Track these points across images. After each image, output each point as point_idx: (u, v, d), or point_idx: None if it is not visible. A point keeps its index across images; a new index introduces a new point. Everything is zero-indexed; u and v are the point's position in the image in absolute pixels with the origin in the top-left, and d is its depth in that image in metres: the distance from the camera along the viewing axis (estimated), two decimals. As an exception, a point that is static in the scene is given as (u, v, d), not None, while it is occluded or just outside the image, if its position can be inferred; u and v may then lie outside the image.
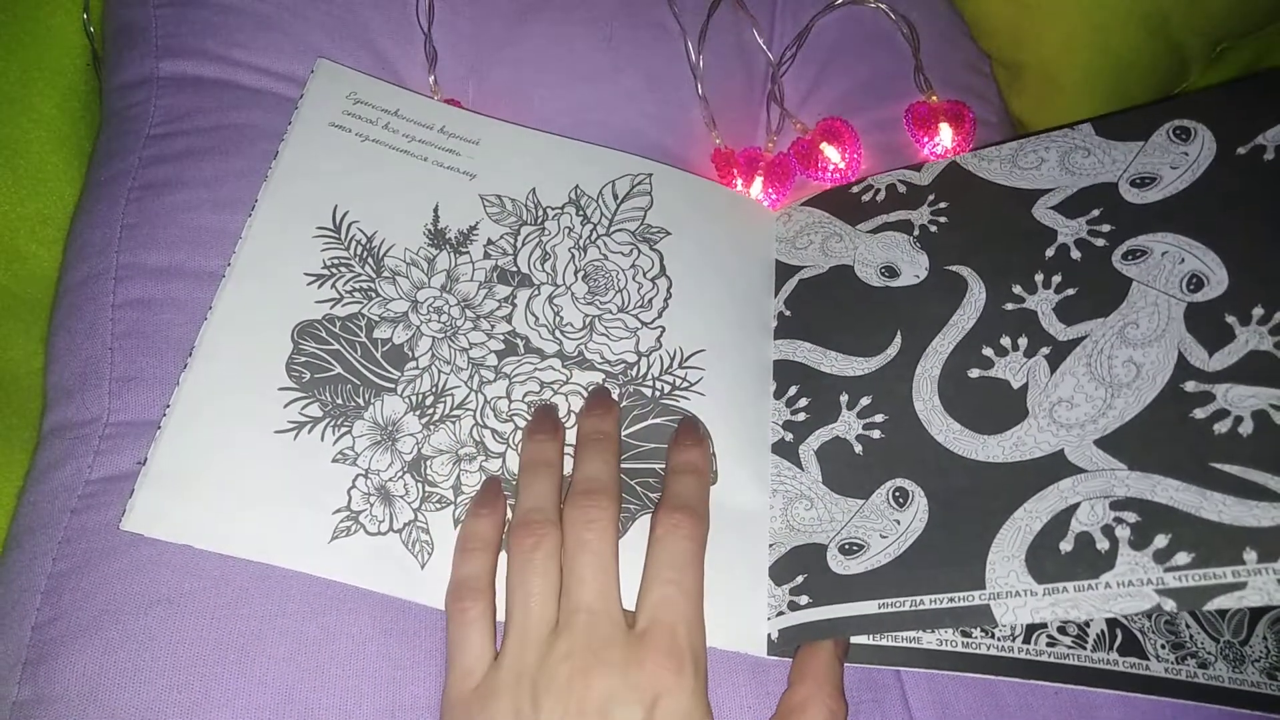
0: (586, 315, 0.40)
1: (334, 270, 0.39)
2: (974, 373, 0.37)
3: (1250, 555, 0.29)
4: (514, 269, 0.41)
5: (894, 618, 0.33)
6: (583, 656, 0.31)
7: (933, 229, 0.42)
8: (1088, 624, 0.37)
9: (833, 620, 0.34)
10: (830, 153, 0.51)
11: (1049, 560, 0.32)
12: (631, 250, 0.42)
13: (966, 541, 0.33)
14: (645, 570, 0.34)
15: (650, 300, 0.41)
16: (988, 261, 0.40)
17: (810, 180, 0.51)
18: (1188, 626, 0.38)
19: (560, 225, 0.42)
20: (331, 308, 0.38)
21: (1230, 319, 0.33)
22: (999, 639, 0.35)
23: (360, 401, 0.37)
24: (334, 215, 0.40)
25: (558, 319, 0.40)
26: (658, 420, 0.39)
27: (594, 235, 0.42)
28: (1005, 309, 0.38)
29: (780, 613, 0.36)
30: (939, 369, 0.38)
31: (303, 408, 0.36)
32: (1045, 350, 0.36)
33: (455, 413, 0.37)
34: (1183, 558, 0.30)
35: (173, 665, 0.32)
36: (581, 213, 0.43)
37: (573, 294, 0.41)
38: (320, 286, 0.38)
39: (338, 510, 0.35)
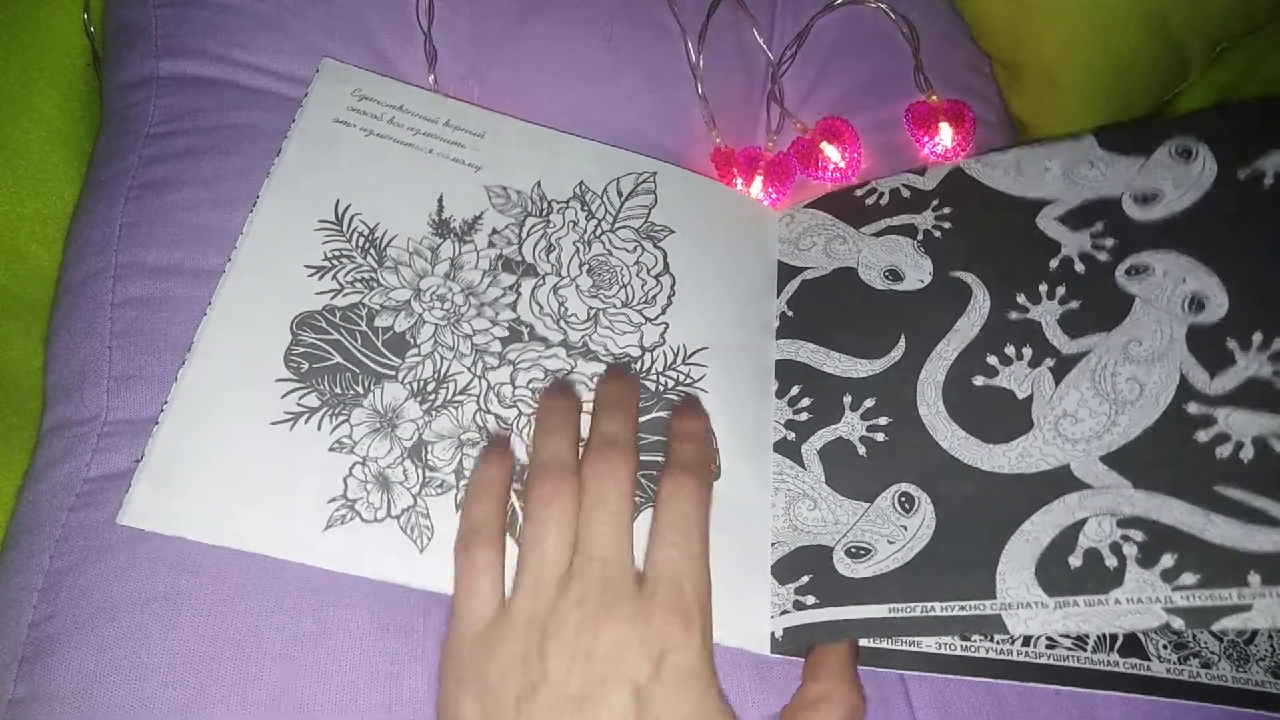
0: (591, 308, 0.41)
1: (335, 262, 0.39)
2: (978, 380, 0.37)
3: (1254, 579, 0.29)
4: (519, 258, 0.41)
5: (903, 622, 0.33)
6: (594, 604, 0.31)
7: (937, 234, 0.42)
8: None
9: (840, 622, 0.34)
10: (830, 152, 0.50)
11: (1059, 574, 0.32)
12: (635, 247, 0.42)
13: (975, 551, 0.33)
14: (652, 532, 0.34)
15: (654, 296, 0.42)
16: (992, 270, 0.40)
17: (810, 180, 0.51)
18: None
19: (565, 219, 0.42)
20: (332, 298, 0.38)
21: (1231, 343, 0.33)
22: (998, 642, 0.35)
23: (359, 389, 0.37)
24: (336, 208, 0.40)
25: (562, 309, 0.40)
26: (661, 414, 0.39)
27: (598, 230, 0.42)
28: (1010, 318, 0.38)
29: (785, 611, 0.36)
30: (943, 374, 0.38)
31: (300, 398, 0.36)
32: (1050, 362, 0.36)
33: (458, 398, 0.37)
34: (1189, 578, 0.30)
35: (169, 662, 0.32)
36: (586, 208, 0.43)
37: (577, 286, 0.41)
38: (321, 278, 0.38)
39: (333, 499, 0.35)
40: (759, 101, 0.54)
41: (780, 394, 0.41)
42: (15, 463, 0.43)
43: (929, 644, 0.35)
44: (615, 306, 0.41)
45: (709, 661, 0.31)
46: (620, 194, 0.44)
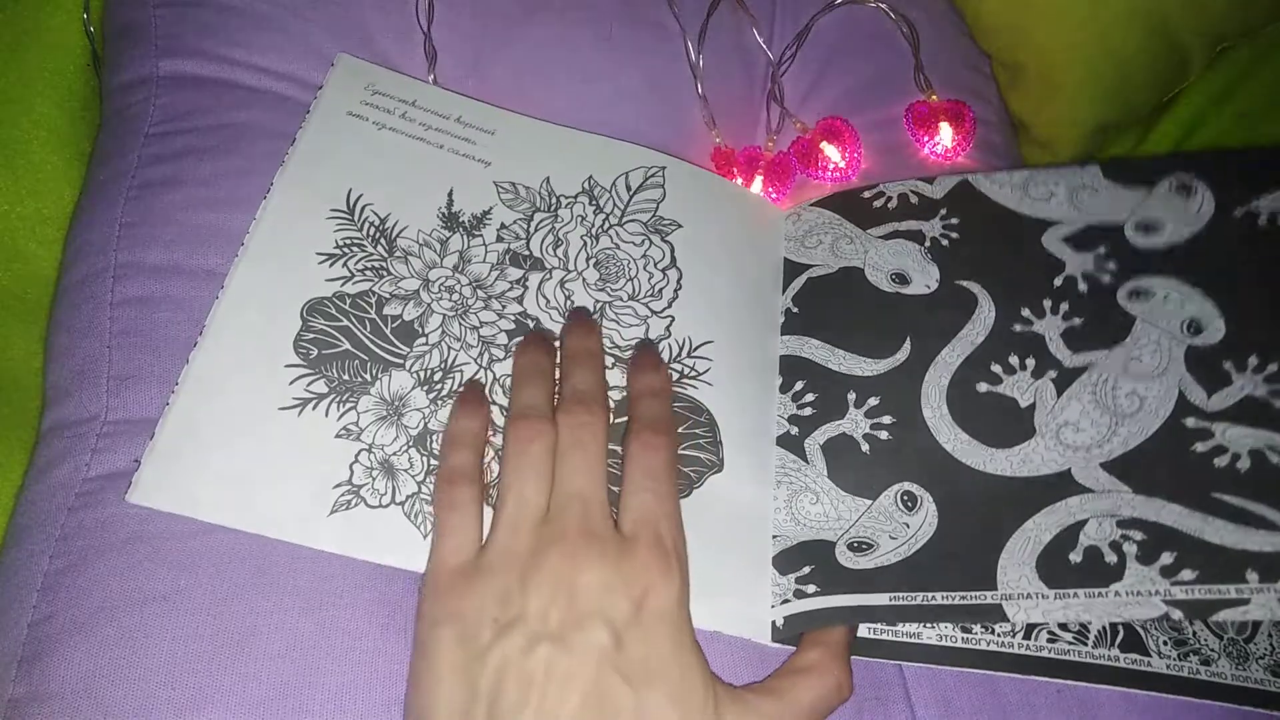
0: (597, 301, 0.41)
1: (346, 250, 0.39)
2: (982, 387, 0.38)
3: (1252, 576, 0.30)
4: (526, 252, 0.41)
5: (904, 610, 0.34)
6: (574, 543, 0.31)
7: (944, 242, 0.42)
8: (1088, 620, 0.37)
9: (841, 609, 0.35)
10: (830, 152, 0.51)
11: (1059, 568, 0.33)
12: (643, 241, 0.43)
13: (976, 548, 0.34)
14: (623, 483, 0.34)
15: (660, 290, 0.42)
16: (998, 281, 0.40)
17: (810, 180, 0.51)
18: (1191, 624, 0.38)
19: (573, 213, 0.43)
20: (342, 285, 0.38)
21: (1227, 365, 0.35)
22: (999, 634, 0.35)
23: (367, 377, 0.37)
24: (348, 198, 0.40)
25: (569, 303, 0.40)
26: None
27: (606, 225, 0.43)
28: (1014, 329, 0.39)
29: (785, 600, 0.36)
30: (948, 379, 0.39)
31: (309, 384, 0.36)
32: (1052, 374, 0.37)
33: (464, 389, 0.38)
34: (1188, 574, 0.31)
35: (168, 662, 0.32)
36: (594, 202, 0.43)
37: (584, 279, 0.41)
38: (331, 265, 0.39)
39: (338, 484, 0.35)
40: (759, 101, 0.54)
41: (784, 389, 0.41)
42: (15, 463, 0.43)
43: (930, 636, 0.35)
44: (621, 300, 0.41)
45: (685, 605, 0.32)
46: (629, 188, 0.44)
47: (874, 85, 0.55)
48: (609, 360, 0.40)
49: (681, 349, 0.41)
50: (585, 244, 0.42)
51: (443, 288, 0.39)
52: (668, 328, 0.41)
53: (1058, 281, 0.39)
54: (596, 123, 0.47)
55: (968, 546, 0.34)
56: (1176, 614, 0.30)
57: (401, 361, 0.37)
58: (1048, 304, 0.39)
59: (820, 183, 0.51)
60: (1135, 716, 0.39)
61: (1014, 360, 0.38)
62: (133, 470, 0.34)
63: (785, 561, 0.37)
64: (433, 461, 0.36)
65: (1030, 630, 0.36)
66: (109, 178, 0.42)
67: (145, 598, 0.33)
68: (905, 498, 0.36)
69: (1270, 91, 0.64)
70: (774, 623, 0.36)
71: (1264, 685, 0.37)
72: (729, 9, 0.54)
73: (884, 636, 0.35)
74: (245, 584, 0.34)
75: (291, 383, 0.36)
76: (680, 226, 0.44)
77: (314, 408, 0.36)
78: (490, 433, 0.37)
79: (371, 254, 0.39)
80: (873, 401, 0.39)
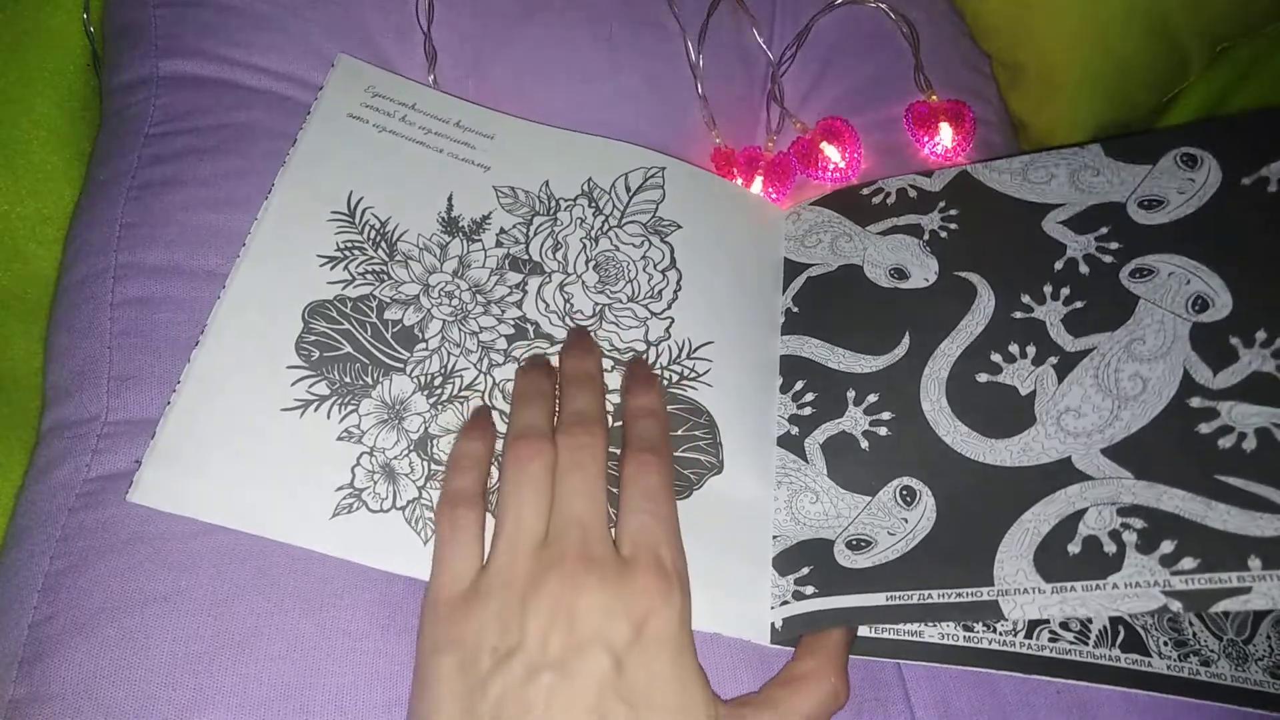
0: (596, 303, 0.41)
1: (347, 253, 0.39)
2: (982, 377, 0.38)
3: (1255, 563, 0.29)
4: (526, 257, 0.41)
5: (901, 610, 0.33)
6: (573, 567, 0.31)
7: (943, 235, 0.42)
8: (1090, 620, 0.37)
9: (839, 610, 0.34)
10: (830, 152, 0.50)
11: (1057, 560, 0.32)
12: (643, 242, 0.43)
13: (974, 541, 0.34)
14: (620, 505, 0.34)
15: (660, 291, 0.42)
16: (997, 270, 0.40)
17: (810, 180, 0.51)
18: (1190, 624, 0.38)
19: (572, 216, 0.43)
20: (343, 288, 0.38)
21: (1234, 341, 0.34)
22: (1001, 634, 0.35)
23: (368, 380, 0.37)
24: (349, 201, 0.40)
25: (568, 306, 0.40)
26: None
27: (605, 226, 0.43)
28: (1014, 317, 0.38)
29: (784, 602, 0.36)
30: (947, 371, 0.38)
31: (310, 386, 0.36)
32: (1053, 360, 0.36)
33: (464, 394, 0.38)
34: (1188, 563, 0.30)
35: (169, 662, 0.32)
36: (594, 204, 0.43)
37: (583, 282, 0.41)
38: (333, 268, 0.39)
39: (340, 487, 0.35)
40: (759, 101, 0.54)
41: (784, 389, 0.41)
42: (15, 463, 0.43)
43: (931, 635, 0.35)
44: (621, 301, 0.41)
45: (687, 626, 0.32)
46: (628, 189, 0.44)
47: (874, 85, 0.55)
48: (608, 363, 0.40)
49: (681, 350, 0.41)
50: (585, 247, 0.42)
51: (442, 293, 0.39)
52: (667, 329, 0.41)
53: (1058, 266, 0.39)
54: (596, 123, 0.47)
55: (966, 540, 0.34)
56: (1175, 605, 0.30)
57: (402, 366, 0.37)
58: (1048, 289, 0.38)
59: (820, 183, 0.51)
60: (1135, 717, 0.39)
61: (1014, 348, 0.38)
62: (133, 471, 0.34)
63: (785, 562, 0.37)
64: (433, 466, 0.36)
65: (1032, 629, 0.36)
66: (109, 178, 0.42)
67: (146, 598, 0.33)
68: (904, 493, 0.36)
69: (1270, 91, 0.64)
70: (773, 624, 0.36)
71: (1263, 687, 0.37)
72: (729, 9, 0.54)
73: (885, 635, 0.35)
74: (246, 585, 0.34)
75: (293, 384, 0.36)
76: (680, 227, 0.43)
77: (315, 409, 0.36)
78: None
79: (372, 258, 0.39)
80: (872, 398, 0.39)
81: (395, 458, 0.36)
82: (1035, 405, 0.36)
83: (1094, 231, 0.39)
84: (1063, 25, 0.56)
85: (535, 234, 0.42)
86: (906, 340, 0.40)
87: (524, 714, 0.29)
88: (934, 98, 0.54)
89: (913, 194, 0.44)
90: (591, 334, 0.40)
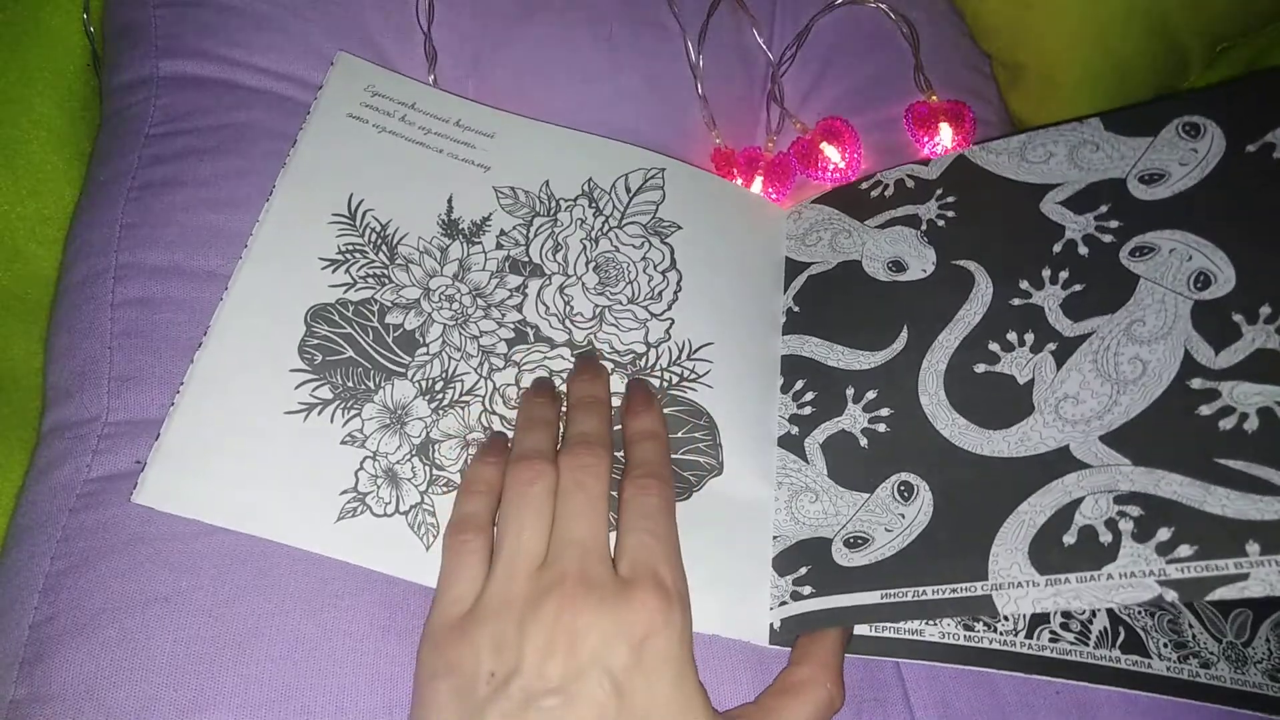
0: (596, 305, 0.41)
1: (348, 256, 0.39)
2: (980, 368, 0.37)
3: (1253, 548, 0.29)
4: (526, 259, 0.41)
5: (896, 608, 0.33)
6: (571, 589, 0.30)
7: (940, 223, 0.42)
8: (1090, 621, 0.37)
9: (835, 609, 0.34)
10: (830, 152, 0.50)
11: (1052, 552, 0.32)
12: (643, 243, 0.43)
13: (970, 535, 0.33)
14: (619, 526, 0.34)
15: (660, 292, 0.42)
16: (995, 256, 0.40)
17: (810, 180, 0.51)
18: (1190, 626, 0.38)
19: (573, 216, 0.42)
20: (345, 292, 0.38)
21: (1237, 317, 0.33)
22: (1001, 633, 0.35)
23: (371, 385, 0.37)
24: (349, 203, 0.40)
25: (568, 309, 0.40)
26: (665, 410, 0.39)
27: (606, 227, 0.43)
28: (1012, 304, 0.38)
29: (783, 602, 0.36)
30: (945, 364, 0.38)
31: (313, 389, 0.36)
32: (1051, 346, 0.36)
33: (464, 398, 0.38)
34: (1185, 550, 0.30)
35: (170, 663, 0.32)
36: (594, 205, 0.43)
37: (583, 284, 0.41)
38: (334, 271, 0.39)
39: (344, 491, 0.35)
40: (759, 101, 0.54)
41: (785, 389, 0.41)
42: (15, 463, 0.43)
43: (932, 634, 0.35)
44: (621, 303, 0.41)
45: (688, 646, 0.31)
46: (628, 190, 0.44)
47: (874, 85, 0.55)
48: (608, 365, 0.40)
49: (681, 351, 0.41)
50: (585, 248, 0.42)
51: (443, 297, 0.39)
52: (668, 330, 0.41)
53: (1057, 248, 0.38)
54: (596, 123, 0.47)
55: (962, 534, 0.34)
56: (1171, 594, 0.29)
57: (403, 371, 0.37)
58: (1047, 273, 0.38)
59: (820, 183, 0.51)
60: (1134, 718, 0.39)
61: (1012, 336, 0.37)
62: (134, 471, 0.34)
63: (784, 562, 0.37)
64: (434, 471, 0.36)
65: (1032, 629, 0.36)
66: (109, 178, 0.42)
67: (147, 599, 0.33)
68: (902, 488, 0.36)
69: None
70: (771, 625, 0.36)
71: (1262, 689, 0.37)
72: (729, 9, 0.54)
73: (886, 634, 0.35)
74: (247, 586, 0.34)
75: (297, 387, 0.36)
76: (680, 228, 0.43)
77: (319, 413, 0.36)
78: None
79: (373, 261, 0.39)
80: (870, 395, 0.39)
81: (398, 462, 0.36)
82: (1034, 394, 0.35)
83: (1093, 210, 0.38)
84: (1063, 25, 0.56)
85: (535, 235, 0.42)
86: (905, 334, 0.40)
87: None
88: (934, 98, 0.54)
89: (910, 184, 0.44)
90: (599, 358, 0.40)
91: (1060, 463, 0.33)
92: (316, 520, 0.34)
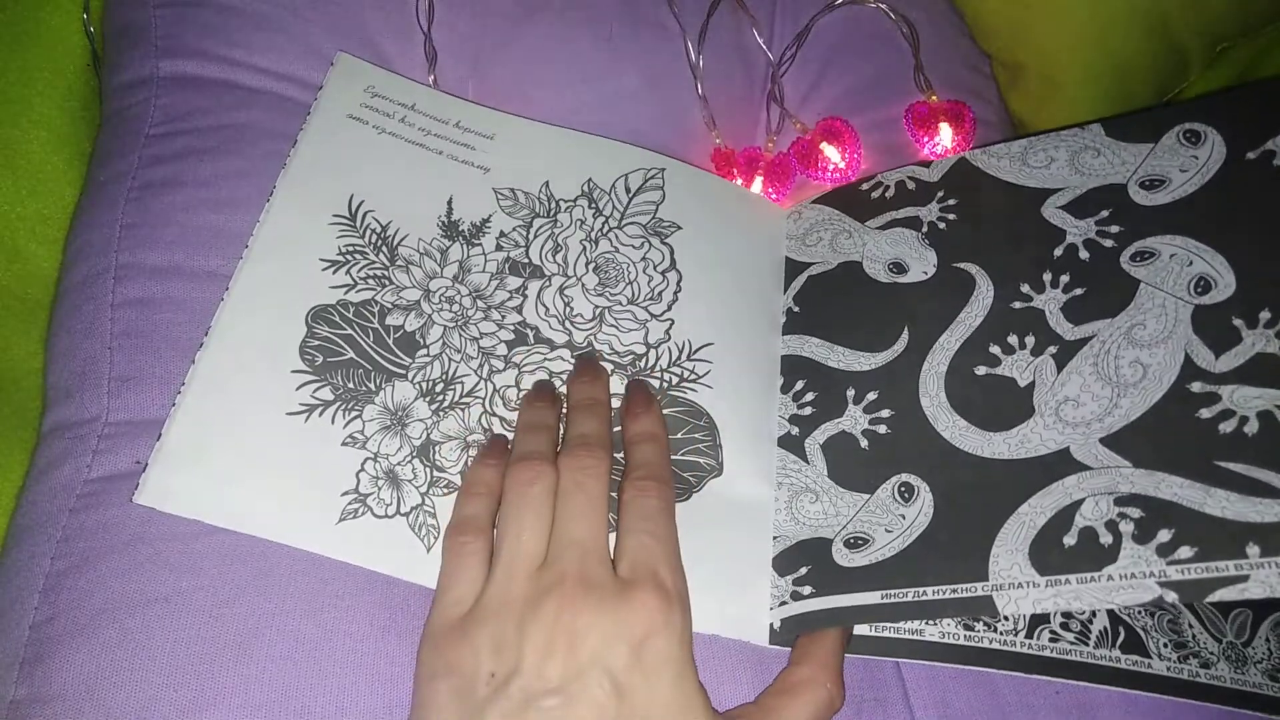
0: (596, 306, 0.41)
1: (349, 257, 0.39)
2: (980, 370, 0.37)
3: (1253, 550, 0.29)
4: (525, 260, 0.41)
5: (896, 608, 0.33)
6: (571, 589, 0.30)
7: (941, 226, 0.42)
8: (1090, 621, 0.37)
9: (835, 609, 0.34)
10: (830, 152, 0.50)
11: (1052, 553, 0.32)
12: (642, 243, 0.43)
13: (970, 536, 0.34)
14: (619, 528, 0.34)
15: (660, 293, 0.42)
16: (996, 259, 0.40)
17: (810, 180, 0.51)
18: (1190, 626, 0.38)
19: (572, 217, 0.42)
20: (345, 293, 0.38)
21: (1237, 322, 0.33)
22: (1001, 633, 0.35)
23: (371, 386, 0.37)
24: (349, 204, 0.40)
25: (568, 310, 0.40)
26: (666, 411, 0.39)
27: (605, 228, 0.43)
28: (1013, 307, 0.38)
29: (783, 602, 0.36)
30: (945, 365, 0.38)
31: (314, 390, 0.36)
32: (1052, 349, 0.36)
33: (465, 400, 0.38)
34: (1185, 552, 0.30)
35: (170, 664, 0.32)
36: (594, 205, 0.43)
37: (583, 285, 0.41)
38: (335, 272, 0.39)
39: (346, 492, 0.35)
40: (759, 101, 0.54)
41: (785, 389, 0.41)
42: (15, 463, 0.43)
43: (932, 634, 0.35)
44: (621, 304, 0.41)
45: (687, 647, 0.31)
46: (628, 190, 0.44)
47: (874, 85, 0.55)
48: (608, 366, 0.40)
49: (681, 352, 0.41)
50: (584, 248, 0.42)
51: (443, 298, 0.39)
52: (667, 331, 0.41)
53: (1058, 252, 0.38)
54: (596, 123, 0.47)
55: (962, 535, 0.34)
56: (1171, 596, 0.29)
57: (404, 372, 0.37)
58: (1047, 277, 0.38)
59: (820, 183, 0.51)
60: (1134, 719, 0.39)
61: (1013, 339, 0.37)
62: (134, 471, 0.34)
63: (784, 562, 0.37)
64: (435, 473, 0.36)
65: (1032, 629, 0.36)
66: (109, 178, 0.42)
67: (147, 599, 0.33)
68: (902, 489, 0.36)
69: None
70: (771, 625, 0.36)
71: (1262, 689, 0.37)
72: (729, 9, 0.54)
73: (886, 634, 0.35)
74: (247, 586, 0.34)
75: (298, 388, 0.36)
76: (680, 228, 0.43)
77: (320, 414, 0.36)
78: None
79: (374, 262, 0.39)
80: (871, 396, 0.39)
81: (399, 464, 0.36)
82: (1034, 396, 0.36)
83: (1094, 215, 0.38)
84: (1063, 25, 0.56)
85: (535, 236, 0.42)
86: (905, 336, 0.40)
87: None
88: (934, 98, 0.54)
89: (911, 186, 0.44)
90: (599, 359, 0.40)
91: (1060, 464, 0.34)
92: (318, 521, 0.34)
